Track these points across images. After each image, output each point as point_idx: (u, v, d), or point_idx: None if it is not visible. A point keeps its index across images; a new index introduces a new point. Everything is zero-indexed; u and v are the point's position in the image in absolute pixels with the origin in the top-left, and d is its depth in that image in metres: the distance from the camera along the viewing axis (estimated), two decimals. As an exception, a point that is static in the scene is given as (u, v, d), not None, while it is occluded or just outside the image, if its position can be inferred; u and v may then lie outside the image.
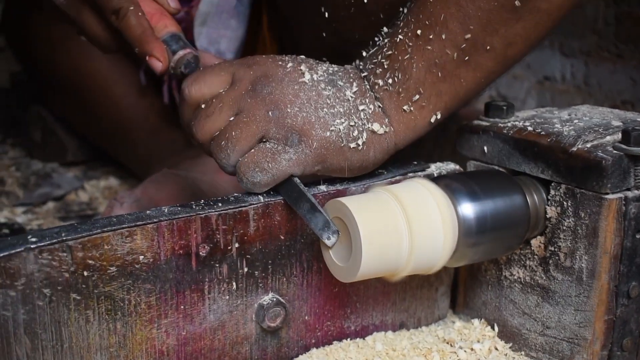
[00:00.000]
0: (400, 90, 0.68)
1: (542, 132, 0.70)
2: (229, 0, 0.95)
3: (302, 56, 0.71)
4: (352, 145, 0.67)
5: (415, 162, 0.75)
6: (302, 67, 0.69)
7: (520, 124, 0.73)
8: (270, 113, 0.66)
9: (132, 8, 0.71)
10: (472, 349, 0.73)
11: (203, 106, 0.69)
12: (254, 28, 0.97)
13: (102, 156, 1.23)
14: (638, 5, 1.30)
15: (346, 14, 0.79)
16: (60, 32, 1.13)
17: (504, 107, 0.76)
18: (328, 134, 0.66)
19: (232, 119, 0.67)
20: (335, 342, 0.73)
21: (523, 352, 0.73)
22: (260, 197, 0.67)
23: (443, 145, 0.93)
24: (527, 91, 1.55)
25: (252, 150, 0.66)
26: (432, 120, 0.69)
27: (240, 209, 0.65)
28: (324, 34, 0.82)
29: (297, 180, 0.66)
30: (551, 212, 0.69)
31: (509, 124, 0.74)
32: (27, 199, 1.11)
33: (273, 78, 0.67)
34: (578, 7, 0.69)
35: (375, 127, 0.68)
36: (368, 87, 0.69)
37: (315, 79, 0.68)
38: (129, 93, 1.12)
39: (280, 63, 0.69)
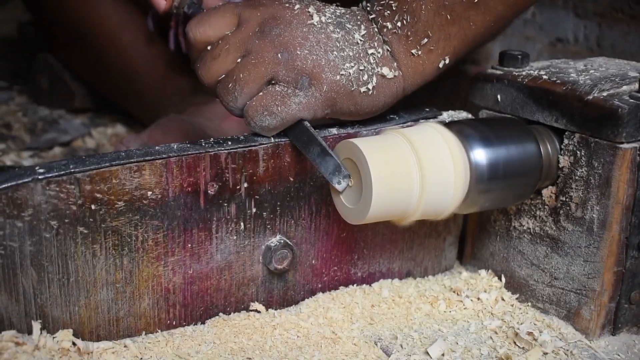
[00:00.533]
0: (409, 33, 0.67)
1: (558, 81, 0.69)
2: None
3: None
4: (363, 89, 0.66)
5: (428, 109, 0.74)
6: (310, 9, 0.67)
7: (535, 72, 0.72)
8: (279, 55, 0.65)
9: None
10: (478, 299, 0.73)
11: (209, 48, 0.68)
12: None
13: (109, 104, 1.22)
14: (655, -35, 1.28)
15: None
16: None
17: (519, 57, 0.74)
18: (338, 77, 0.65)
19: (239, 60, 0.66)
20: (341, 288, 0.73)
21: (530, 303, 0.73)
22: (271, 138, 0.66)
23: (456, 96, 0.91)
24: (539, 52, 1.53)
25: (261, 94, 0.65)
26: (441, 65, 0.68)
27: (250, 148, 0.65)
28: None
29: (307, 124, 0.66)
30: (564, 161, 0.68)
31: (524, 73, 0.72)
32: (33, 143, 1.10)
33: (281, 20, 0.66)
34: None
35: (385, 71, 0.67)
36: (376, 30, 0.68)
37: (323, 21, 0.67)
38: (136, 40, 1.10)
39: (287, 5, 0.68)
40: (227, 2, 0.71)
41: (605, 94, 0.66)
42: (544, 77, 0.70)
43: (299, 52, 0.65)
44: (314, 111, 0.66)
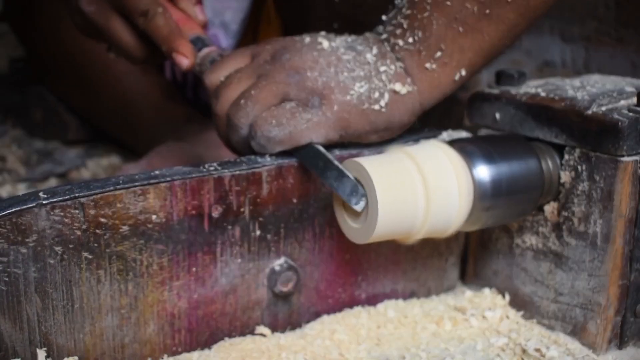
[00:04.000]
0: (421, 48, 0.67)
1: (556, 97, 0.70)
2: None
3: (322, 32, 0.71)
4: (375, 107, 0.67)
5: (427, 129, 0.75)
6: (320, 39, 0.69)
7: (533, 90, 0.73)
8: (290, 77, 0.66)
9: (160, 10, 0.72)
10: (483, 317, 0.72)
11: (222, 79, 0.69)
12: (258, 1, 0.96)
13: (103, 135, 1.22)
14: (640, -12, 1.30)
15: None
16: (62, 10, 1.12)
17: (515, 75, 0.75)
18: (348, 97, 0.66)
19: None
20: (346, 309, 0.72)
21: (535, 320, 0.73)
22: (274, 159, 0.66)
23: (449, 117, 0.92)
24: (527, 77, 1.56)
25: (272, 108, 0.65)
26: (457, 77, 0.68)
27: (253, 170, 0.65)
28: (336, 0, 0.81)
29: (319, 146, 0.66)
30: (565, 176, 0.69)
31: (521, 91, 0.73)
32: (29, 175, 1.10)
33: (292, 48, 0.67)
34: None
35: (397, 87, 0.67)
36: (388, 48, 0.68)
37: (333, 45, 0.68)
38: (131, 70, 1.11)
39: (297, 38, 0.69)
40: (240, 48, 0.72)
41: (604, 108, 0.67)
42: (542, 94, 0.71)
43: (309, 74, 0.66)
44: (325, 131, 0.66)
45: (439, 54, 0.67)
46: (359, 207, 0.61)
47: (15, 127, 1.32)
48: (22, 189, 1.05)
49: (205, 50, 0.74)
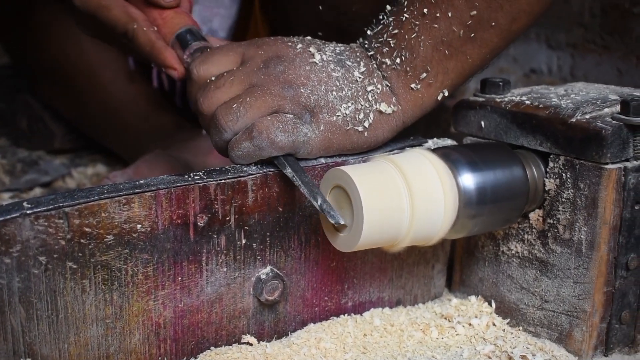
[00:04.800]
0: (408, 69, 0.68)
1: (540, 105, 0.70)
2: None
3: (309, 37, 0.71)
4: (359, 128, 0.68)
5: (412, 137, 0.75)
6: (312, 49, 0.68)
7: (518, 98, 0.73)
8: (284, 90, 0.66)
9: (135, 26, 0.73)
10: (470, 324, 0.73)
11: (213, 79, 0.68)
12: (245, 8, 0.96)
13: (89, 145, 1.22)
14: (624, -4, 1.31)
15: None
16: (46, 17, 1.12)
17: (500, 83, 0.75)
18: (334, 118, 0.67)
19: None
20: (332, 318, 0.72)
21: (521, 327, 0.73)
22: (259, 168, 0.66)
23: (437, 124, 0.92)
24: (514, 84, 1.56)
25: (272, 115, 0.64)
26: (439, 97, 0.70)
27: (239, 179, 0.64)
28: (321, 7, 0.82)
29: (293, 158, 0.66)
30: (550, 184, 0.69)
31: (506, 99, 0.73)
32: (13, 185, 1.09)
33: (285, 58, 0.67)
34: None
35: (383, 107, 0.68)
36: (375, 66, 0.69)
37: (324, 59, 0.68)
38: (117, 78, 1.11)
39: (289, 44, 0.69)
40: (230, 42, 0.72)
41: (588, 116, 0.67)
42: (527, 102, 0.71)
43: (302, 90, 0.66)
44: (311, 148, 0.66)
45: (424, 75, 0.68)
46: (342, 222, 0.61)
47: (0, 136, 1.31)
48: (6, 199, 1.04)
49: (193, 46, 0.73)
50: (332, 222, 0.61)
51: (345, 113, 0.67)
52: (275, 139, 0.64)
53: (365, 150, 0.70)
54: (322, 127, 0.66)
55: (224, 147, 0.67)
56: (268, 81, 0.66)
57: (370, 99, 0.68)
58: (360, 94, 0.67)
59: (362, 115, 0.67)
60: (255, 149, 0.64)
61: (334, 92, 0.66)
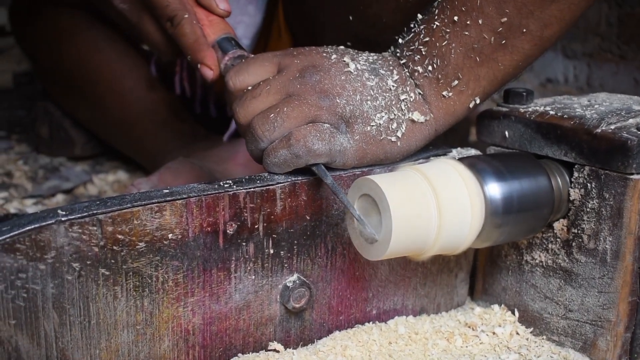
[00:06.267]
0: (440, 76, 0.68)
1: (565, 116, 0.71)
2: None
3: (342, 47, 0.72)
4: (392, 138, 0.68)
5: (437, 147, 0.75)
6: (346, 59, 0.69)
7: (541, 108, 0.74)
8: (321, 100, 0.66)
9: (186, 16, 0.74)
10: (494, 333, 0.73)
11: (250, 88, 0.69)
12: (268, 17, 0.97)
13: (109, 152, 1.23)
14: (640, 6, 1.32)
15: None
16: (69, 24, 1.13)
17: (524, 93, 0.76)
18: (368, 128, 0.67)
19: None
20: (357, 325, 0.73)
21: (545, 336, 0.73)
22: (287, 177, 0.67)
23: (454, 133, 0.93)
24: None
25: (308, 125, 0.65)
26: (471, 105, 0.70)
27: (267, 187, 0.65)
28: (350, 17, 0.82)
29: (323, 167, 0.66)
30: (574, 194, 0.69)
31: (530, 109, 0.74)
32: (36, 191, 1.10)
33: (321, 67, 0.68)
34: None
35: (416, 116, 0.68)
36: (408, 74, 0.70)
37: (359, 68, 0.69)
38: (137, 85, 1.12)
39: (324, 54, 0.70)
40: (266, 53, 0.73)
41: (613, 127, 0.67)
42: (551, 112, 0.72)
43: (338, 101, 0.67)
44: (346, 158, 0.67)
45: (456, 82, 0.68)
46: (377, 237, 0.61)
47: (20, 143, 1.33)
48: (29, 205, 1.05)
49: (230, 54, 0.75)
50: (369, 235, 0.61)
51: (379, 123, 0.67)
52: (312, 147, 0.64)
53: (398, 159, 0.70)
54: (357, 137, 0.67)
55: (259, 156, 0.67)
56: (304, 91, 0.66)
57: (403, 107, 0.68)
58: (393, 102, 0.68)
59: (395, 125, 0.68)
60: (292, 157, 0.65)
61: (369, 102, 0.67)
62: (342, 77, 0.67)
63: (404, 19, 0.72)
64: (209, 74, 0.74)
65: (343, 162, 0.67)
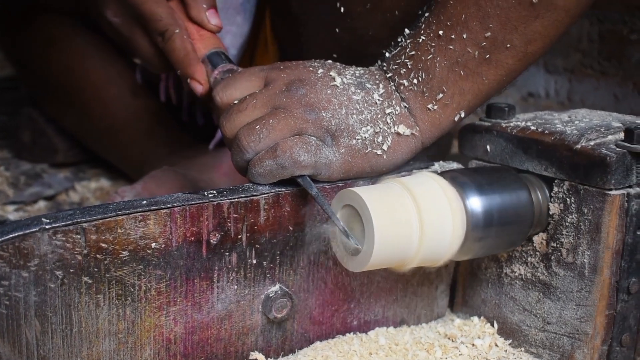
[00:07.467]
0: (425, 89, 0.69)
1: (546, 131, 0.72)
2: None
3: (330, 61, 0.73)
4: (378, 151, 0.69)
5: (419, 160, 0.76)
6: (332, 73, 0.70)
7: (523, 123, 0.75)
8: (307, 114, 0.67)
9: (177, 31, 0.75)
10: (473, 344, 0.74)
11: (236, 102, 0.70)
12: (256, 27, 0.98)
13: (92, 159, 1.23)
14: (622, 23, 1.34)
15: (362, 10, 0.81)
16: (58, 32, 1.13)
17: (506, 109, 0.77)
18: (354, 142, 0.68)
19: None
20: (338, 336, 0.73)
21: (523, 348, 0.74)
22: (271, 187, 0.67)
23: (437, 146, 0.94)
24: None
25: (294, 137, 0.66)
26: (456, 118, 0.71)
27: (251, 197, 0.66)
28: (337, 30, 0.83)
29: (308, 179, 0.67)
30: (554, 208, 0.70)
31: (512, 124, 0.75)
32: (17, 197, 1.10)
33: (307, 81, 0.69)
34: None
35: (401, 129, 0.69)
36: (393, 87, 0.70)
37: (345, 82, 0.69)
38: (123, 93, 1.12)
39: (311, 69, 0.70)
40: (252, 67, 0.74)
41: (592, 143, 0.69)
42: (532, 127, 0.73)
43: (324, 114, 0.67)
44: (332, 171, 0.68)
45: (440, 95, 0.69)
46: (360, 246, 0.62)
47: (2, 149, 1.32)
48: (10, 211, 1.05)
49: (219, 68, 0.75)
50: (352, 246, 0.62)
51: (365, 137, 0.68)
52: (298, 158, 0.65)
53: (384, 172, 0.71)
54: (342, 150, 0.68)
55: (244, 167, 0.68)
56: (290, 104, 0.67)
57: (388, 121, 0.69)
58: (379, 116, 0.69)
59: (380, 138, 0.68)
60: (278, 167, 0.65)
61: (354, 116, 0.68)
62: (328, 91, 0.68)
63: (391, 32, 0.73)
64: (199, 88, 0.75)
65: (328, 175, 0.68)
